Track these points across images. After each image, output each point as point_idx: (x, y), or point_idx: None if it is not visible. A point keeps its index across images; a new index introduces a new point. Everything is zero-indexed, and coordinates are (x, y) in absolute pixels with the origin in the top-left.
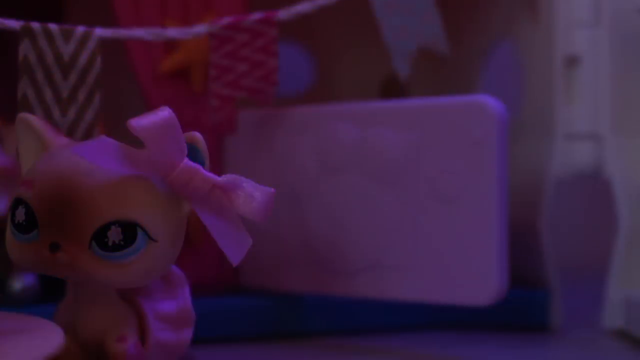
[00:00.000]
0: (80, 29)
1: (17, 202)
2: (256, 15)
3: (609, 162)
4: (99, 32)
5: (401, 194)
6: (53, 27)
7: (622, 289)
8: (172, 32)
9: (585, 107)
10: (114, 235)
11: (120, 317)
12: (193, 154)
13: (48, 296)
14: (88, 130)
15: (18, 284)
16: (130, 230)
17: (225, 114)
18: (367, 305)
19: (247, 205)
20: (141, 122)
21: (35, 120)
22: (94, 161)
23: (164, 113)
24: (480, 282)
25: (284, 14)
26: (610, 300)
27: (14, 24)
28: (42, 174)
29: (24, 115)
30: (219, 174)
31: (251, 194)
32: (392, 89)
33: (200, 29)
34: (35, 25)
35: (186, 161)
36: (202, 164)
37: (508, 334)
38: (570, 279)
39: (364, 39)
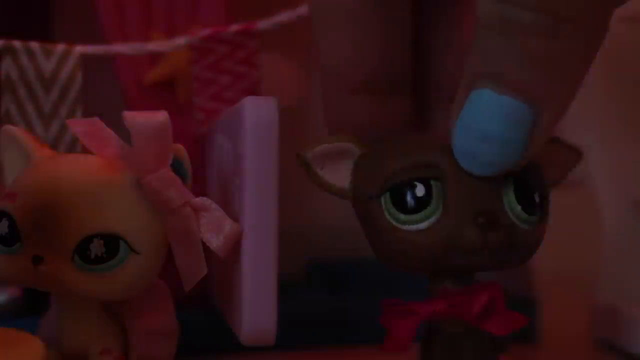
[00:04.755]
0: (60, 46)
1: (0, 215)
2: (235, 27)
3: (595, 172)
4: (79, 49)
5: None
6: (34, 44)
7: (609, 299)
8: (153, 45)
9: (571, 117)
10: (96, 248)
11: (104, 330)
12: (176, 166)
13: (32, 309)
14: (71, 146)
15: (1, 297)
16: (112, 243)
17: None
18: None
19: (212, 233)
20: (135, 117)
21: (19, 132)
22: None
23: (160, 116)
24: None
25: (264, 24)
26: (596, 310)
27: None
28: (25, 186)
29: (8, 127)
30: (202, 186)
31: (219, 223)
32: None
33: (181, 41)
34: (17, 43)
35: (167, 169)
36: (184, 178)
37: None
38: (556, 289)
39: None
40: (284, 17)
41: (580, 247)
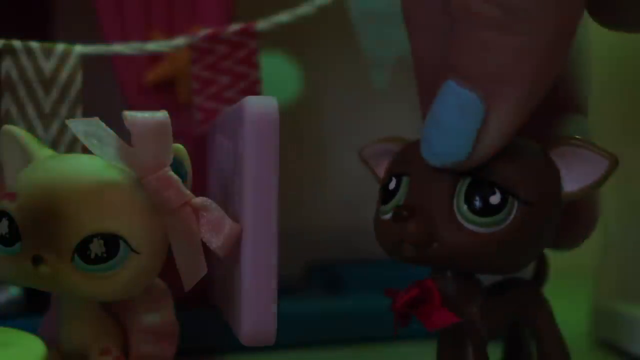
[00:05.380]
0: (60, 46)
1: (0, 215)
2: (235, 27)
3: None
4: (79, 49)
5: None
6: (34, 44)
7: (608, 299)
8: (153, 45)
9: None
10: (96, 248)
11: (104, 330)
12: (176, 165)
13: (32, 309)
14: (71, 146)
15: (1, 297)
16: (112, 243)
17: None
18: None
19: (212, 233)
20: (136, 117)
21: (19, 132)
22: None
23: (160, 116)
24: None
25: (263, 24)
26: (596, 310)
27: None
28: (25, 186)
29: (8, 127)
30: (202, 186)
31: (219, 223)
32: None
33: (181, 41)
34: (17, 43)
35: (167, 169)
36: (184, 177)
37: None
38: (556, 288)
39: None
40: (284, 17)
41: (580, 247)
